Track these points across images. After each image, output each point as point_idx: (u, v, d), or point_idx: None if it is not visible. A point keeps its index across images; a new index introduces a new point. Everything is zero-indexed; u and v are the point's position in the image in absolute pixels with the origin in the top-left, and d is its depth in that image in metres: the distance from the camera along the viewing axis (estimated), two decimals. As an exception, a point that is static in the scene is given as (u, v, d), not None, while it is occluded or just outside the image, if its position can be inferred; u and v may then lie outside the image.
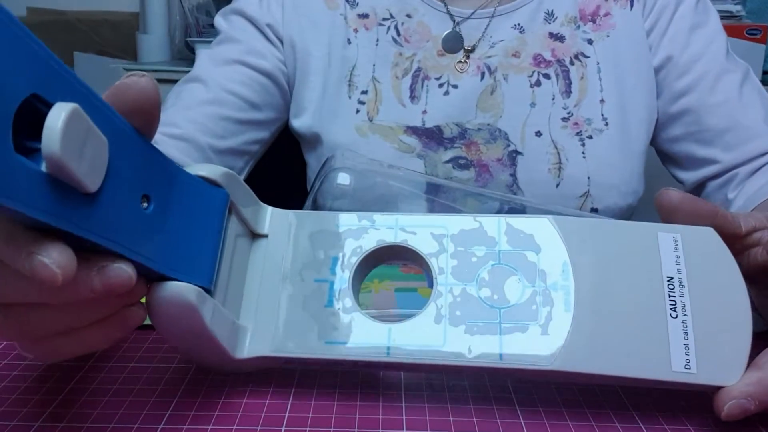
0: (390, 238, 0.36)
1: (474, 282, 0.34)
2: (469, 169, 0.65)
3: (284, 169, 0.79)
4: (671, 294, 0.33)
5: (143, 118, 0.29)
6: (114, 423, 0.33)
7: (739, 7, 1.41)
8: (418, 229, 0.36)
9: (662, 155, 0.72)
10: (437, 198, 0.64)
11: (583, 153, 0.64)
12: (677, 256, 0.34)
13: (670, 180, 0.74)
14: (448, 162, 0.65)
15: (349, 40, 0.68)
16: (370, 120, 0.66)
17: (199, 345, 0.33)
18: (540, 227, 0.35)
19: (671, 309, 0.33)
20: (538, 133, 0.65)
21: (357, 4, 0.69)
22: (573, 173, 0.64)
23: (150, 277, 0.30)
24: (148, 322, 0.32)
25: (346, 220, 0.37)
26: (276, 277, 0.36)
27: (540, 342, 0.32)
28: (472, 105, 0.66)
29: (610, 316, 0.33)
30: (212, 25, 0.76)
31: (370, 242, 0.36)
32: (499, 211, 0.64)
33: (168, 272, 0.30)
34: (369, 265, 0.37)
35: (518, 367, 0.32)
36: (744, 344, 0.32)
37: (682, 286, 0.33)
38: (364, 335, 0.34)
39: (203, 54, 0.71)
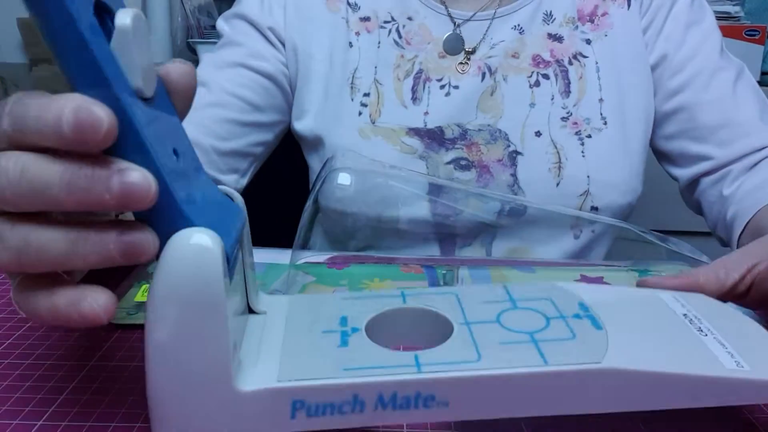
0: (397, 304, 0.35)
1: (495, 321, 0.33)
2: (470, 170, 0.65)
3: (286, 171, 0.79)
4: (692, 322, 0.34)
5: (181, 101, 0.30)
6: (116, 422, 0.33)
7: (737, 8, 1.41)
8: (426, 296, 0.35)
9: (657, 153, 0.73)
10: (439, 199, 0.65)
11: (582, 152, 0.65)
12: (683, 304, 0.35)
13: (668, 179, 0.75)
14: (449, 163, 0.65)
15: (350, 43, 0.69)
16: (373, 122, 0.66)
17: (199, 342, 0.28)
18: (544, 287, 0.36)
19: (698, 330, 0.33)
20: (538, 133, 0.66)
21: (359, 7, 0.70)
22: (573, 172, 0.65)
23: (168, 229, 0.28)
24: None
25: (348, 294, 0.36)
26: (278, 334, 0.33)
27: (581, 348, 0.31)
28: (472, 106, 0.67)
29: (643, 334, 0.32)
30: (214, 27, 0.76)
31: (378, 306, 0.35)
32: (500, 212, 0.65)
33: (192, 217, 0.28)
34: (378, 327, 0.34)
35: (566, 368, 0.29)
36: None
37: (698, 318, 0.34)
38: (388, 360, 0.30)
39: (206, 59, 0.71)
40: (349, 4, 0.70)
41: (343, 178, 0.62)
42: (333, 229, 0.74)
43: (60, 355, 0.40)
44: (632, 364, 0.30)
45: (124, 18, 0.26)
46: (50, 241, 0.26)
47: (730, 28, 1.37)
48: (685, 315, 0.34)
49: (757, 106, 0.67)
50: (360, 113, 0.67)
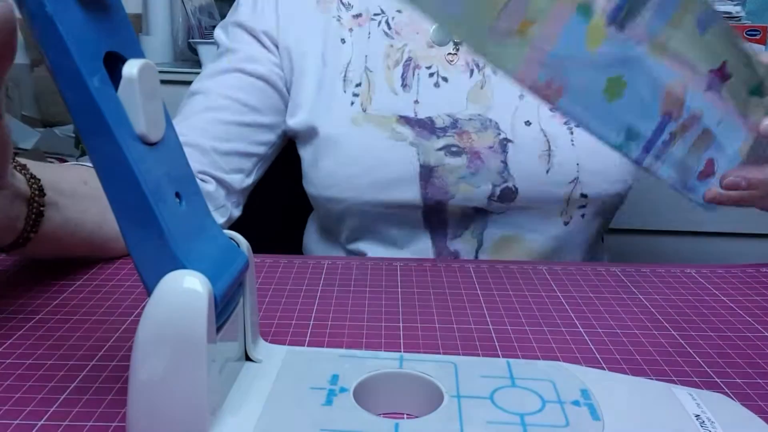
0: (393, 367, 0.34)
1: (488, 397, 0.32)
2: (461, 156, 0.66)
3: (284, 169, 0.79)
4: (703, 425, 0.31)
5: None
6: (117, 421, 0.33)
7: (738, 8, 1.41)
8: (423, 363, 0.35)
9: None
10: (429, 183, 0.66)
11: (572, 140, 0.66)
12: (698, 404, 0.33)
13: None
14: (440, 150, 0.66)
15: (343, 39, 0.70)
16: (364, 110, 0.68)
17: (177, 386, 0.28)
18: (549, 367, 0.35)
19: None
20: (528, 123, 0.67)
21: (351, 6, 0.72)
22: (562, 160, 0.66)
23: (160, 270, 0.29)
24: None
25: (347, 352, 0.36)
26: (267, 385, 0.33)
27: None
28: (462, 98, 0.68)
29: (646, 429, 0.31)
30: (215, 27, 0.77)
31: (373, 367, 0.34)
32: (491, 196, 0.66)
33: (184, 259, 0.29)
34: (368, 389, 0.33)
35: None
36: None
37: (712, 422, 0.31)
38: (367, 425, 0.29)
39: (203, 71, 0.73)
40: (342, 3, 0.72)
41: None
42: (323, 220, 0.75)
43: (61, 355, 0.40)
44: None
45: (131, 69, 0.28)
46: None
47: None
48: (697, 416, 0.32)
49: None
50: (352, 103, 0.68)
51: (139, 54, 0.30)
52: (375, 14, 0.71)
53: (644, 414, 0.32)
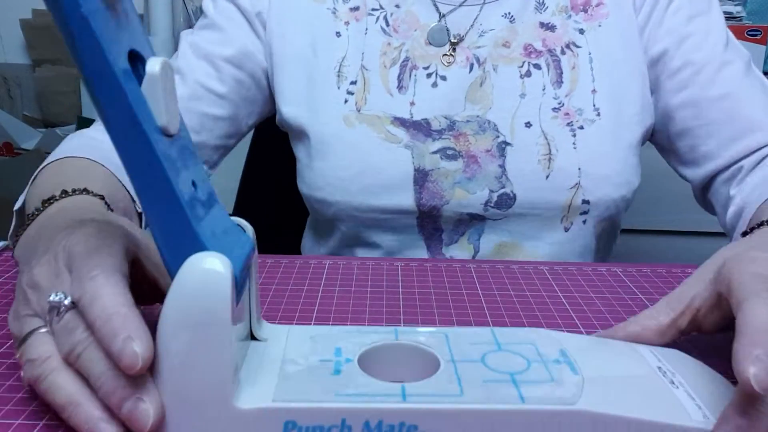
0: (389, 339, 0.37)
1: (480, 361, 0.35)
2: (457, 160, 0.64)
3: (284, 169, 0.79)
4: (665, 375, 0.36)
5: None
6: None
7: (739, 8, 1.41)
8: (417, 334, 0.38)
9: (665, 152, 0.71)
10: (423, 187, 0.64)
11: (573, 144, 0.64)
12: (658, 358, 0.37)
13: (668, 173, 0.74)
14: (435, 152, 0.64)
15: (338, 33, 0.68)
16: (358, 110, 0.66)
17: (203, 360, 0.30)
18: (529, 333, 0.38)
19: (671, 383, 0.35)
20: (528, 124, 0.64)
21: None
22: (563, 164, 0.63)
23: (183, 252, 0.30)
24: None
25: (346, 328, 0.39)
26: (276, 360, 0.35)
27: (558, 390, 0.33)
28: (460, 97, 0.66)
29: (617, 382, 0.34)
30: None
31: (372, 340, 0.37)
32: (487, 202, 0.64)
33: (206, 242, 0.31)
34: (370, 359, 0.36)
35: (542, 408, 0.31)
36: None
37: (672, 372, 0.36)
38: (376, 389, 0.32)
39: (186, 41, 0.70)
40: None
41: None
42: (317, 224, 0.74)
43: (62, 355, 0.40)
44: (604, 408, 0.32)
45: (154, 66, 0.30)
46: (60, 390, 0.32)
47: (732, 28, 1.36)
48: (659, 368, 0.36)
49: (764, 100, 0.65)
50: (346, 101, 0.66)
51: (151, 53, 0.32)
52: (373, 9, 0.69)
53: (614, 367, 0.36)
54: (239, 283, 0.32)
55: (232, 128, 0.70)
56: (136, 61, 0.31)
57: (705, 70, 0.65)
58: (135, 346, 0.29)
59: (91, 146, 0.59)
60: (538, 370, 0.34)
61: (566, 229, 0.66)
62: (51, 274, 0.34)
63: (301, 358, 0.35)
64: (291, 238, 0.89)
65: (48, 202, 0.46)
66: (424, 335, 0.37)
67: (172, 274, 0.30)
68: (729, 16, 1.39)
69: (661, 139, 0.70)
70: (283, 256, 0.58)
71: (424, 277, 0.54)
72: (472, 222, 0.66)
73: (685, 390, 0.34)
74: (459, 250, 0.67)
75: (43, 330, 0.33)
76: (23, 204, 0.54)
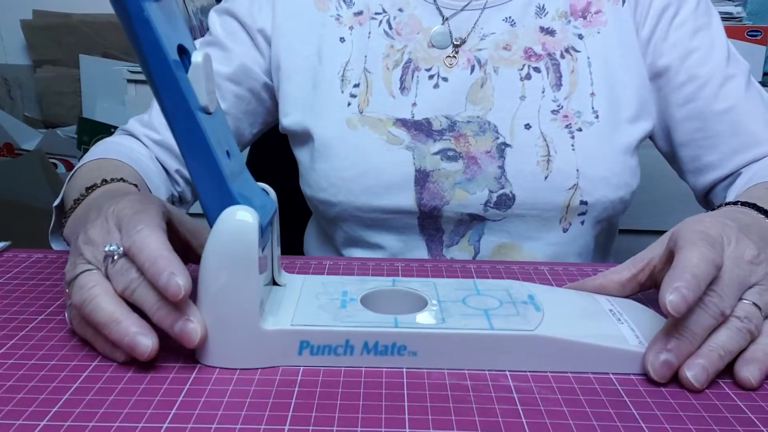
0: (387, 285, 0.46)
1: (461, 301, 0.44)
2: (457, 161, 0.65)
3: (285, 170, 0.79)
4: (614, 314, 0.44)
5: None
6: (118, 422, 0.34)
7: (739, 9, 1.41)
8: (411, 282, 0.47)
9: (671, 158, 0.73)
10: (424, 188, 0.65)
11: (572, 145, 0.65)
12: (612, 303, 0.46)
13: (668, 174, 0.74)
14: (436, 154, 0.65)
15: (342, 38, 0.69)
16: (360, 112, 0.67)
17: (236, 290, 0.38)
18: (504, 283, 0.47)
19: (617, 320, 0.43)
20: (527, 126, 0.65)
21: (353, 3, 0.70)
22: (562, 166, 0.64)
23: (222, 206, 0.38)
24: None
25: (352, 277, 0.49)
26: (294, 298, 0.43)
27: (522, 321, 0.41)
28: (461, 98, 0.67)
29: (572, 317, 0.43)
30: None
31: (373, 286, 0.46)
32: (487, 203, 0.65)
33: (239, 200, 0.38)
34: (371, 300, 0.44)
35: (506, 332, 0.40)
36: None
37: (620, 312, 0.44)
38: (374, 318, 0.41)
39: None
40: (344, 0, 0.70)
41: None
42: (320, 223, 0.75)
43: (62, 356, 0.40)
44: (558, 334, 0.40)
45: (197, 57, 0.38)
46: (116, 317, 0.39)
47: (732, 28, 1.37)
48: (610, 310, 0.45)
49: (765, 113, 0.67)
50: (349, 104, 0.67)
51: (194, 47, 0.39)
52: (376, 13, 0.70)
53: (571, 307, 0.45)
54: (265, 231, 0.39)
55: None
56: (182, 53, 0.38)
57: (709, 85, 0.67)
58: (178, 279, 0.37)
59: (117, 150, 0.65)
60: (507, 308, 0.43)
61: (565, 230, 0.67)
62: (104, 231, 0.42)
63: (314, 297, 0.43)
64: (292, 238, 0.89)
65: (90, 189, 0.53)
66: (416, 284, 0.46)
67: (211, 223, 0.39)
68: (729, 17, 1.39)
69: (664, 148, 0.72)
70: (284, 257, 0.58)
71: (424, 277, 0.54)
72: (472, 223, 0.66)
73: (628, 326, 0.42)
74: (459, 252, 0.67)
75: (94, 270, 0.40)
76: (61, 201, 0.59)
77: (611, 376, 0.40)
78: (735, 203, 0.51)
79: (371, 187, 0.65)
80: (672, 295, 0.37)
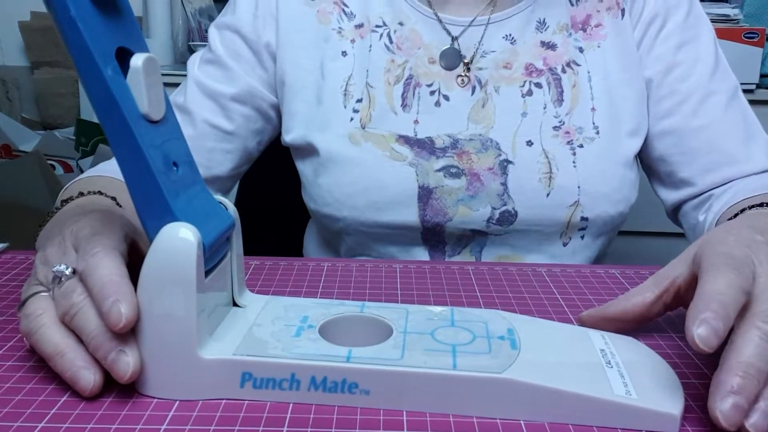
0: (354, 312, 0.42)
1: (429, 333, 0.39)
2: (460, 178, 0.65)
3: (280, 179, 0.79)
4: (605, 356, 0.39)
5: None
6: (117, 423, 0.34)
7: (736, 11, 1.41)
8: (380, 309, 0.42)
9: (647, 169, 0.73)
10: (427, 204, 0.65)
11: (573, 162, 0.65)
12: (606, 342, 0.41)
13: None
14: (439, 170, 0.65)
15: (344, 52, 0.68)
16: (363, 127, 0.66)
17: (175, 313, 0.35)
18: (486, 314, 0.42)
19: (607, 363, 0.38)
20: (530, 143, 0.65)
21: (354, 15, 0.69)
22: (563, 182, 0.64)
23: (159, 222, 0.35)
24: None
25: (318, 300, 0.43)
26: (247, 324, 0.40)
27: (489, 361, 0.36)
28: (463, 117, 0.66)
29: (553, 358, 0.38)
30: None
31: (338, 312, 0.41)
32: (489, 219, 0.65)
33: (179, 214, 0.35)
34: (332, 328, 0.40)
35: (468, 374, 0.35)
36: (677, 388, 0.37)
37: (613, 354, 0.39)
38: (326, 350, 0.37)
39: (192, 77, 0.71)
40: (345, 13, 0.69)
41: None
42: (323, 232, 0.75)
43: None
44: (529, 378, 0.35)
45: (136, 61, 0.35)
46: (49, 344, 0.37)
47: (729, 30, 1.37)
48: (602, 350, 0.39)
49: (745, 132, 0.67)
50: (351, 119, 0.67)
51: (144, 49, 0.37)
52: (377, 26, 0.69)
53: (556, 346, 0.40)
54: (208, 249, 0.36)
55: (242, 159, 0.72)
56: (127, 56, 0.36)
57: (689, 101, 0.67)
58: (122, 307, 0.35)
59: (112, 170, 0.64)
60: (479, 344, 0.38)
61: (564, 244, 0.67)
62: (59, 252, 0.40)
63: (270, 323, 0.40)
64: (290, 240, 0.89)
65: (66, 201, 0.52)
66: (386, 310, 0.42)
67: (150, 241, 0.35)
68: (726, 19, 1.39)
69: (643, 160, 0.72)
70: (282, 258, 0.58)
71: (422, 279, 0.54)
72: (474, 237, 0.67)
73: (618, 370, 0.37)
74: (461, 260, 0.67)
75: (44, 294, 0.39)
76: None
77: (594, 429, 0.34)
78: (761, 205, 0.50)
79: (375, 202, 0.65)
80: (700, 329, 0.33)
